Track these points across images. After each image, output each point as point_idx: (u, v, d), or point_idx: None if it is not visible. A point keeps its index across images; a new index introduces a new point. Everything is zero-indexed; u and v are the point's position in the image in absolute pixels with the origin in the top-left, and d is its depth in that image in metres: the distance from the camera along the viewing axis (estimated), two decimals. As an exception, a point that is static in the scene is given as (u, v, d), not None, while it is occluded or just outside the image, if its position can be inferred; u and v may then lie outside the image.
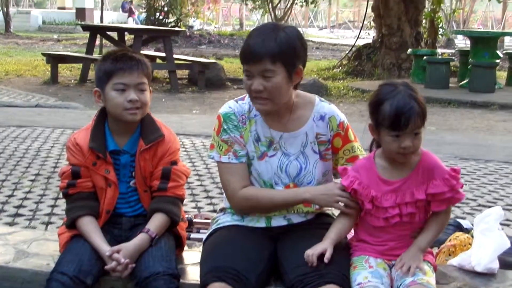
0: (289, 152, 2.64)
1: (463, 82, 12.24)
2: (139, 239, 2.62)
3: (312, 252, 2.40)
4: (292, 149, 2.64)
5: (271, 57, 2.45)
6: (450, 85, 12.20)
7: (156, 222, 2.68)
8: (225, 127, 2.63)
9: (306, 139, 2.63)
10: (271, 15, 28.49)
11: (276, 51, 2.45)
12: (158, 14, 23.50)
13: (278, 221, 2.66)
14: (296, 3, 28.38)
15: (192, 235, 3.23)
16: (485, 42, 12.30)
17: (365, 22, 17.90)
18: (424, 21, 15.20)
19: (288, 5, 28.90)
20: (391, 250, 2.49)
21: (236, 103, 2.67)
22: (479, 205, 4.58)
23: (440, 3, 15.41)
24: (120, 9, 33.51)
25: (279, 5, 29.03)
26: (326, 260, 2.37)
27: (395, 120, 2.34)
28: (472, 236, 3.04)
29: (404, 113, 2.33)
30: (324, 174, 2.67)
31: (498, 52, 12.55)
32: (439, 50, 15.23)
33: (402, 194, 2.44)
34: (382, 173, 2.47)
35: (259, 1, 28.35)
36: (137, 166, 2.73)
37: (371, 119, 2.44)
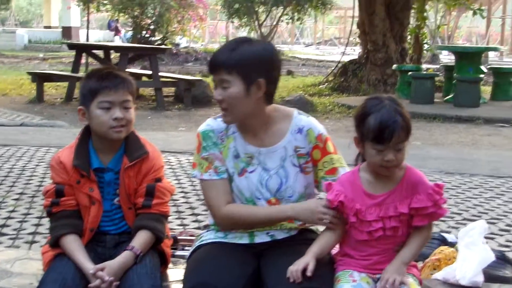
0: (269, 166, 2.64)
1: (448, 97, 12.33)
2: (124, 257, 2.61)
3: (295, 268, 2.38)
4: (272, 164, 2.64)
5: (226, 67, 2.49)
6: (435, 100, 12.29)
7: (141, 239, 2.67)
8: (205, 144, 2.64)
9: (285, 153, 2.64)
10: (257, 32, 28.64)
11: (232, 61, 2.49)
12: (144, 32, 23.54)
13: (261, 238, 2.66)
14: (282, 20, 28.55)
15: (177, 252, 3.22)
16: (469, 57, 12.41)
17: (351, 38, 18.01)
18: (409, 37, 15.33)
19: (274, 22, 29.07)
20: (375, 265, 2.49)
21: (214, 120, 2.68)
22: (464, 219, 4.60)
23: (424, 19, 15.58)
24: (107, 27, 33.49)
25: (265, 22, 29.16)
26: (309, 273, 2.36)
27: (379, 133, 2.35)
28: (457, 250, 3.05)
29: (388, 126, 2.34)
30: (305, 187, 2.67)
31: (482, 67, 12.66)
32: (424, 66, 15.38)
33: (385, 208, 2.45)
34: (366, 187, 2.47)
35: (245, 19, 28.45)
36: (121, 184, 2.72)
37: (356, 132, 2.46)
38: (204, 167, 2.64)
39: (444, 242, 3.39)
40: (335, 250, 2.62)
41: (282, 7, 27.56)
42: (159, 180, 2.76)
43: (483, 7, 20.20)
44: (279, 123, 2.65)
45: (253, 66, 2.51)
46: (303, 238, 2.66)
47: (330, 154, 2.66)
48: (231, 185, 2.65)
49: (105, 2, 23.60)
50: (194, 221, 4.37)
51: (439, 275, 2.90)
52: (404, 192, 2.45)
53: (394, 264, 2.43)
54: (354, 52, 19.41)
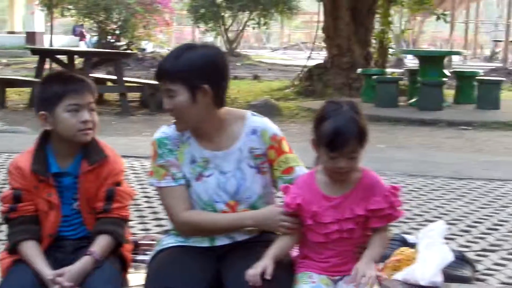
0: (226, 169, 2.64)
1: (412, 101, 12.46)
2: (83, 262, 2.58)
3: (253, 272, 2.38)
4: (228, 167, 2.64)
5: (169, 77, 2.50)
6: (399, 103, 12.42)
7: (101, 244, 2.64)
8: (160, 152, 2.64)
9: (241, 155, 2.64)
10: (223, 37, 28.66)
11: (174, 71, 2.50)
12: (110, 37, 23.40)
13: (221, 240, 2.66)
14: (248, 25, 28.62)
15: (138, 257, 3.20)
16: (432, 61, 12.59)
17: (317, 43, 18.11)
18: (374, 41, 15.47)
19: (241, 28, 29.12)
20: (334, 267, 2.50)
21: (169, 127, 2.68)
22: (426, 220, 4.65)
23: (389, 24, 15.74)
24: (72, 33, 33.19)
25: (231, 27, 29.20)
26: (267, 276, 2.36)
27: (332, 141, 2.35)
28: (417, 251, 3.08)
29: (341, 135, 2.33)
30: (263, 187, 2.67)
31: (445, 70, 12.83)
32: (390, 70, 15.52)
33: (342, 210, 2.46)
34: (323, 189, 2.48)
35: (211, 24, 28.45)
36: (80, 188, 2.70)
37: (313, 134, 2.46)
38: (161, 174, 2.63)
39: (404, 243, 3.42)
40: (296, 252, 2.63)
41: (248, 12, 27.64)
42: (119, 184, 2.74)
43: (446, 12, 20.51)
44: (232, 125, 2.66)
45: (196, 73, 2.51)
46: (264, 240, 2.64)
47: (285, 153, 2.67)
48: (189, 191, 2.64)
49: (69, 7, 23.41)
50: (157, 226, 4.35)
51: (399, 276, 2.92)
52: (360, 194, 2.46)
53: (364, 260, 2.42)
54: (320, 57, 19.52)
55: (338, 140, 2.33)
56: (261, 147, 2.65)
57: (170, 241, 2.71)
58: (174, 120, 2.59)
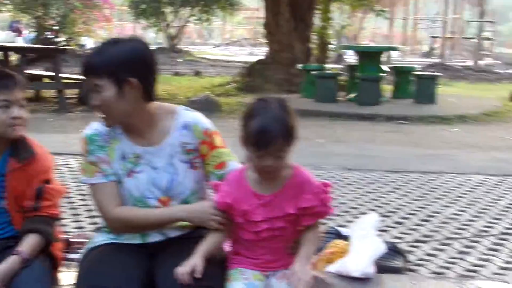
0: (157, 165, 2.61)
1: (351, 96, 12.60)
2: (10, 262, 2.52)
3: (183, 270, 2.36)
4: (160, 162, 2.61)
5: (95, 72, 2.47)
6: (339, 98, 12.54)
7: (29, 243, 2.59)
8: (90, 148, 2.61)
9: (173, 150, 2.62)
10: (165, 33, 28.46)
11: (100, 65, 2.47)
12: (48, 33, 22.94)
13: (154, 237, 2.63)
14: (190, 21, 28.47)
15: (70, 255, 3.15)
16: (371, 57, 12.75)
17: (258, 39, 18.16)
18: (315, 37, 15.59)
19: (182, 23, 28.94)
20: (267, 263, 2.50)
21: (99, 123, 2.64)
22: (361, 213, 4.71)
23: (328, 20, 15.88)
24: (8, 28, 32.42)
25: (173, 23, 29.00)
26: (198, 274, 2.35)
27: (257, 140, 2.32)
28: (350, 243, 3.11)
29: (267, 133, 2.30)
30: (196, 182, 2.66)
31: (384, 66, 13.02)
32: (331, 66, 15.66)
33: (272, 208, 2.44)
34: (253, 187, 2.46)
35: (153, 19, 28.19)
36: (8, 186, 2.64)
37: (241, 131, 2.41)
38: (91, 171, 2.60)
39: (338, 235, 3.46)
40: (230, 248, 2.62)
41: (190, 7, 27.49)
42: (48, 181, 2.69)
43: (385, 9, 20.85)
44: (163, 120, 2.63)
45: (121, 67, 2.48)
46: (197, 236, 2.62)
47: (218, 148, 2.65)
48: (120, 187, 2.61)
49: (5, 2, 22.86)
50: (91, 224, 4.29)
51: (332, 268, 2.94)
52: (291, 192, 2.44)
53: (299, 262, 2.41)
54: (262, 52, 19.58)
55: (264, 138, 2.30)
56: (193, 142, 2.63)
57: (101, 239, 2.67)
58: (103, 116, 2.55)
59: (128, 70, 2.48)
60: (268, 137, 2.30)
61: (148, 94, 2.56)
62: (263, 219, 2.44)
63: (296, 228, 2.49)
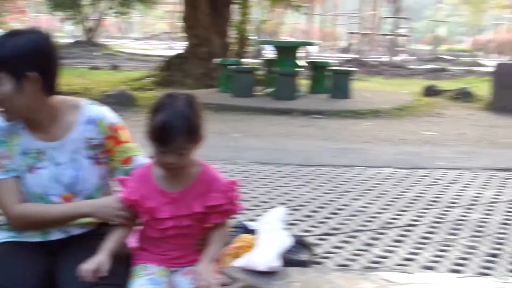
0: (60, 161, 2.56)
1: (268, 90, 12.70)
2: None
3: (87, 268, 2.33)
4: (63, 158, 2.56)
5: None
6: (257, 93, 12.61)
7: None
8: None
9: (76, 145, 2.57)
10: (82, 26, 27.92)
11: None
12: (-43, 24, 22.16)
13: (55, 235, 2.58)
14: (108, 14, 28.02)
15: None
16: (288, 52, 12.88)
17: (178, 33, 18.05)
18: (233, 31, 15.62)
19: (101, 16, 28.47)
20: (173, 260, 2.49)
21: (0, 118, 2.57)
22: (271, 207, 4.72)
23: (247, 15, 15.94)
24: None
25: (92, 15, 28.48)
26: (103, 272, 2.33)
27: (158, 135, 2.30)
28: (257, 237, 3.14)
29: (168, 129, 2.28)
30: (101, 178, 2.63)
31: (300, 61, 13.16)
32: (249, 60, 15.72)
33: (179, 206, 2.43)
34: (160, 183, 2.44)
35: (70, 12, 27.61)
36: None
37: (146, 126, 2.37)
38: None
39: (246, 230, 3.48)
40: (135, 244, 2.60)
41: (108, 0, 27.08)
42: None
43: (304, 5, 21.08)
44: (67, 115, 2.57)
45: (21, 60, 2.40)
46: (101, 233, 2.59)
47: (123, 143, 2.62)
48: (21, 184, 2.55)
49: None
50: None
51: (239, 262, 2.96)
52: (198, 190, 2.43)
53: (205, 262, 2.42)
54: (182, 47, 19.48)
55: (165, 134, 2.28)
56: (98, 137, 2.58)
57: (1, 237, 2.60)
58: (2, 110, 2.48)
59: (27, 64, 2.41)
60: (169, 134, 2.28)
61: (49, 88, 2.50)
62: (169, 216, 2.42)
63: (204, 225, 2.49)
